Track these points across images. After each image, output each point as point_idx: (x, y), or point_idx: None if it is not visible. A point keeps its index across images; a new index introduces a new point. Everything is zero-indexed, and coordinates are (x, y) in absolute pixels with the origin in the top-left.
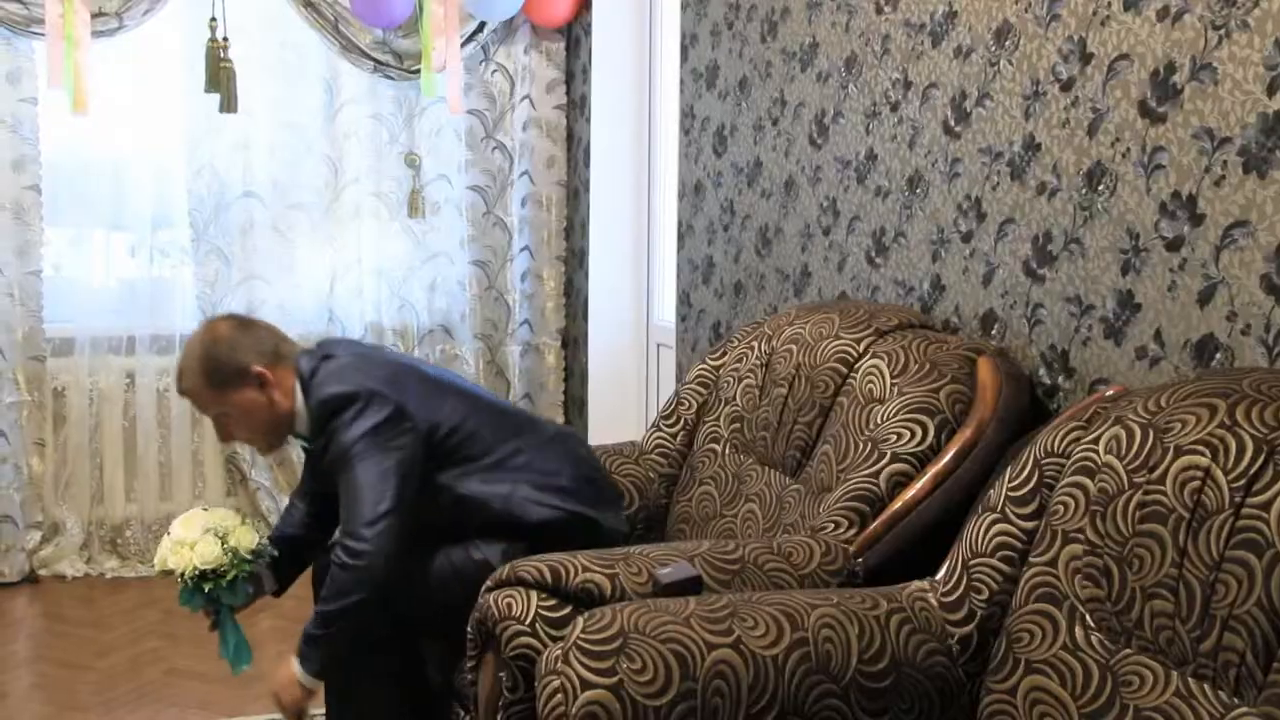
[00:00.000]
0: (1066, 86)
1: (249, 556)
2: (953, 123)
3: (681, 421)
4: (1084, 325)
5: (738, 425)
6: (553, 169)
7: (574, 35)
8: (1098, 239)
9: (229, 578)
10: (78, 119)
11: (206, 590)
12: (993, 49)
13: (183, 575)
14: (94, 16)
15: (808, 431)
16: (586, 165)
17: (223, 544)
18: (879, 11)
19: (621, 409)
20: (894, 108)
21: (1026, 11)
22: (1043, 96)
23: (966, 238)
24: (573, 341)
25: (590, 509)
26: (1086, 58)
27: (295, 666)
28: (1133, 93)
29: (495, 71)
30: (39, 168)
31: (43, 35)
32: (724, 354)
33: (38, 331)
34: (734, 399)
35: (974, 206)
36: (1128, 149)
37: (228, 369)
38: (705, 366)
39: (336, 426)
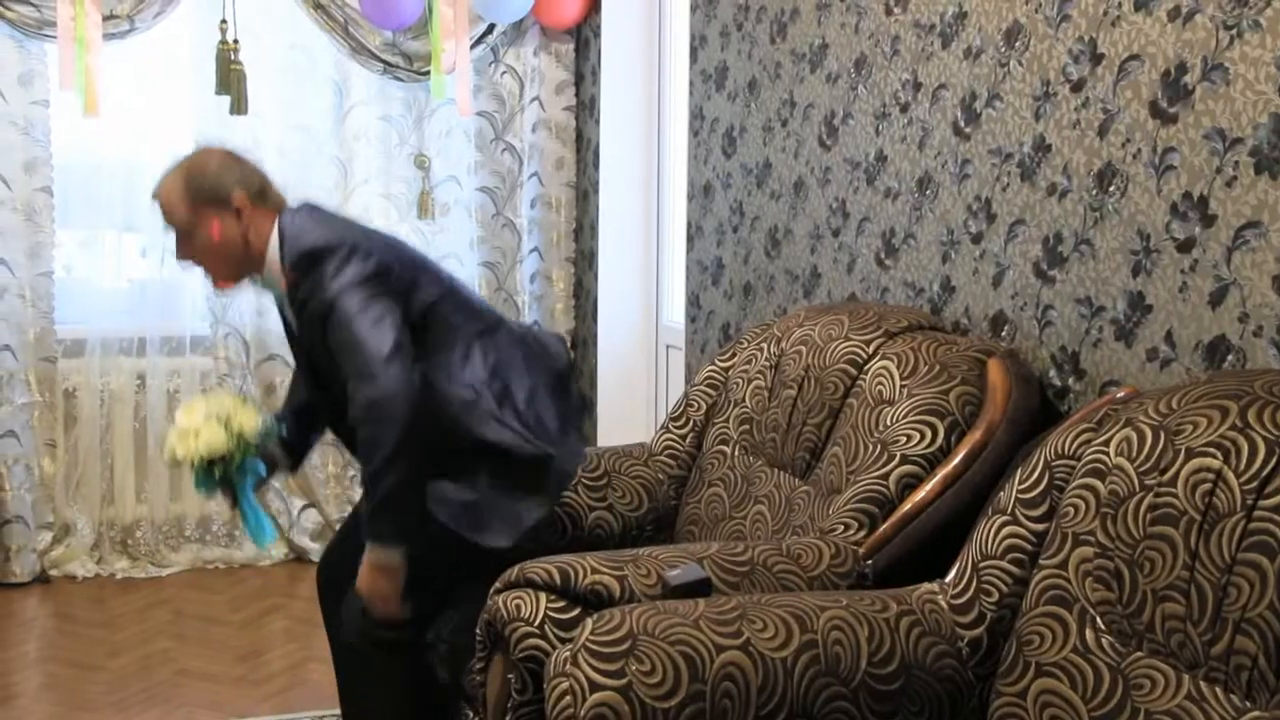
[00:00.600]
0: (1077, 87)
1: (254, 439)
2: (963, 124)
3: (690, 423)
4: (1095, 327)
5: (747, 427)
6: (562, 170)
7: (583, 37)
8: (1108, 240)
9: (237, 461)
10: (89, 121)
11: (218, 475)
12: (1003, 50)
13: (192, 463)
14: (105, 19)
15: (817, 433)
16: (596, 167)
17: (227, 428)
18: (888, 13)
19: (631, 410)
20: (904, 109)
21: (1037, 12)
22: (1053, 97)
23: (976, 239)
24: (582, 343)
25: (545, 443)
26: (1097, 58)
27: (371, 554)
28: (1144, 93)
29: (505, 73)
30: (51, 170)
31: (54, 38)
32: (733, 355)
33: (49, 332)
34: (743, 400)
35: (984, 208)
36: (1139, 150)
37: (208, 188)
38: (714, 368)
39: (319, 278)
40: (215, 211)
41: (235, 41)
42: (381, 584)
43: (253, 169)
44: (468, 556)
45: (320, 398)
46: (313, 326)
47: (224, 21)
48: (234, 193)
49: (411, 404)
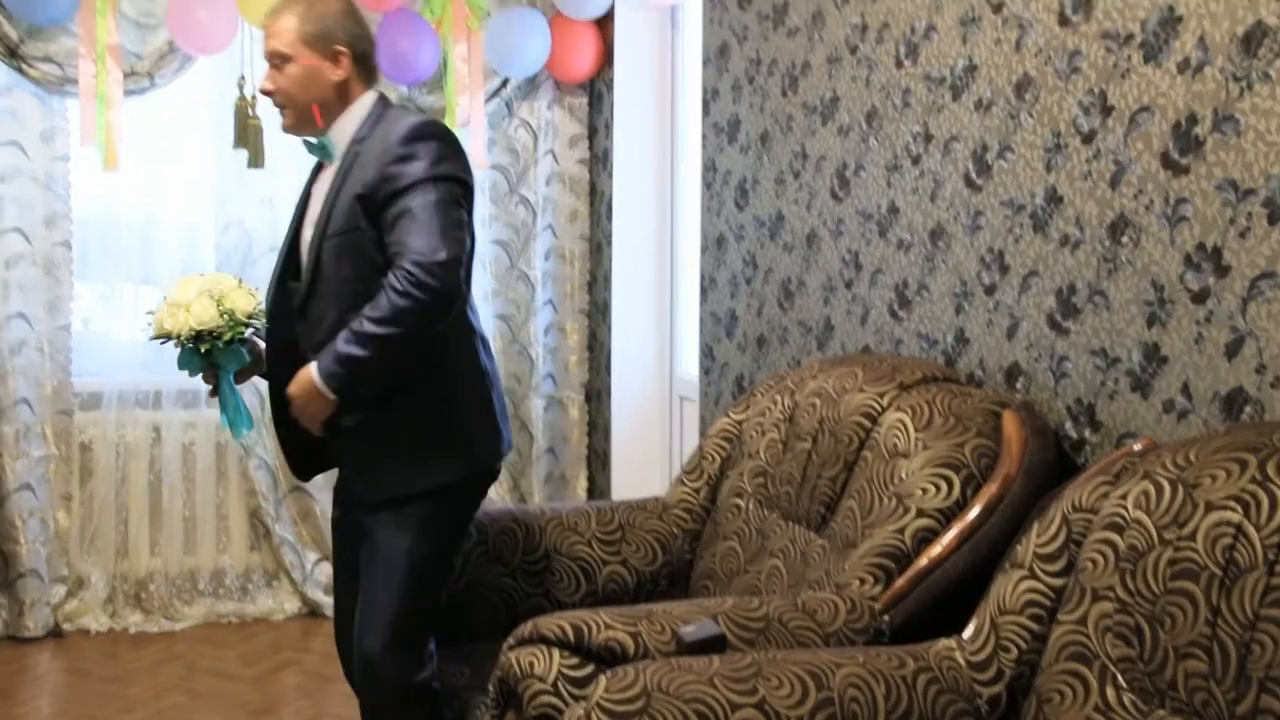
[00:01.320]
0: (1088, 139)
1: (245, 320)
2: (974, 175)
3: (705, 476)
4: (1110, 378)
5: (761, 480)
6: (576, 223)
7: (596, 91)
8: (1122, 291)
9: (225, 339)
10: (108, 175)
11: (204, 351)
12: (1013, 102)
13: (179, 338)
14: (126, 76)
15: (832, 486)
16: (609, 219)
17: (219, 305)
18: (899, 66)
19: (645, 463)
20: (915, 161)
21: (1046, 65)
22: (1064, 149)
23: (990, 290)
24: (596, 395)
25: (494, 458)
26: (1107, 110)
27: (314, 374)
28: (1154, 145)
29: (519, 126)
30: (70, 224)
31: (76, 95)
32: (747, 407)
33: (66, 386)
34: (757, 453)
35: (997, 259)
36: (1151, 201)
37: (321, 30)
38: (728, 420)
39: (419, 150)
40: (319, 53)
41: (253, 96)
42: (314, 407)
43: (366, 33)
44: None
45: (281, 324)
46: (377, 186)
47: (242, 77)
48: (342, 44)
49: (449, 312)
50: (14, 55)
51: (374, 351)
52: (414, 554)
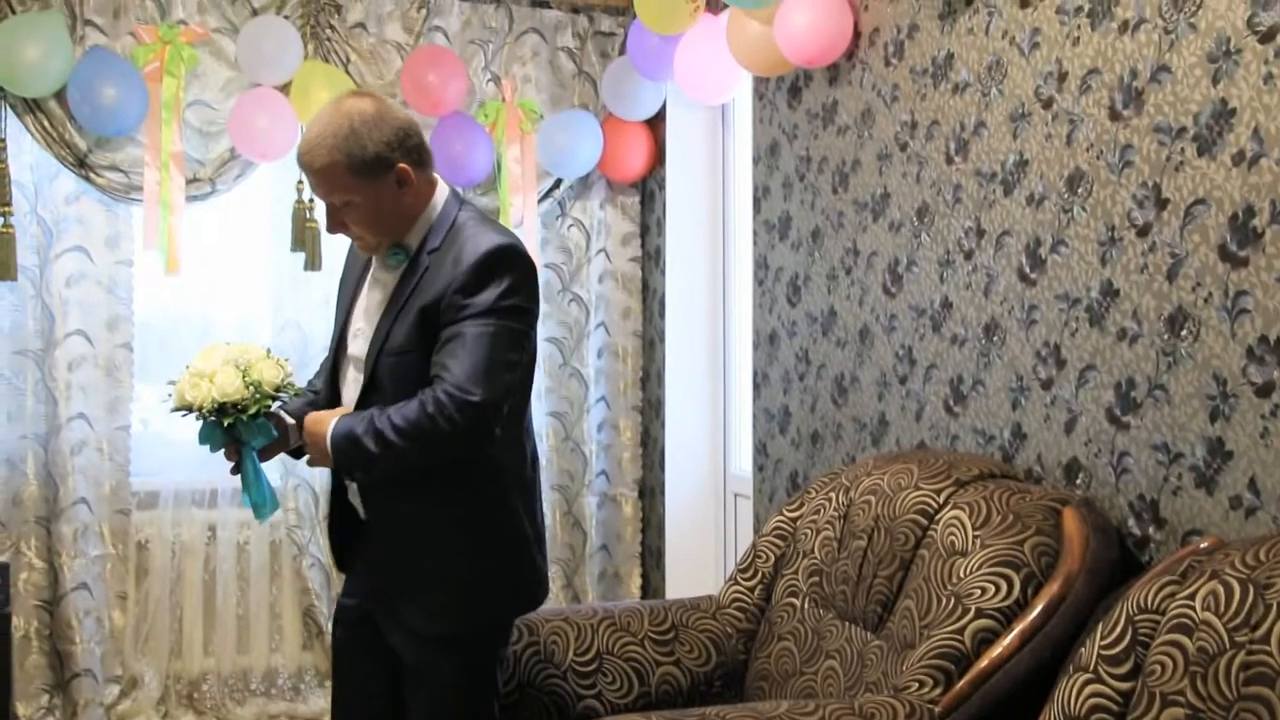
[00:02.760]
0: (1143, 232)
1: (272, 392)
2: (1028, 269)
3: (759, 575)
4: (1173, 474)
5: (816, 579)
6: (629, 320)
7: (648, 189)
8: (1183, 385)
9: (250, 412)
10: (169, 278)
11: (226, 425)
12: (1066, 196)
13: (200, 410)
14: (189, 182)
15: (888, 585)
16: (662, 316)
17: (244, 376)
18: (949, 162)
19: (699, 561)
20: (968, 256)
21: (1098, 159)
22: (1119, 242)
23: (1046, 385)
24: (649, 492)
25: (539, 549)
26: (1162, 203)
27: (330, 429)
28: (1211, 237)
29: (572, 226)
30: (132, 327)
31: (140, 201)
32: (801, 505)
33: (124, 485)
34: (812, 551)
35: (1053, 353)
36: (1209, 294)
37: (370, 160)
38: (783, 518)
39: (490, 280)
40: (377, 179)
41: (310, 200)
42: (315, 454)
43: (406, 124)
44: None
45: (331, 394)
46: (438, 308)
47: (300, 182)
48: (396, 156)
49: (471, 450)
50: (82, 165)
51: (382, 453)
52: (462, 688)
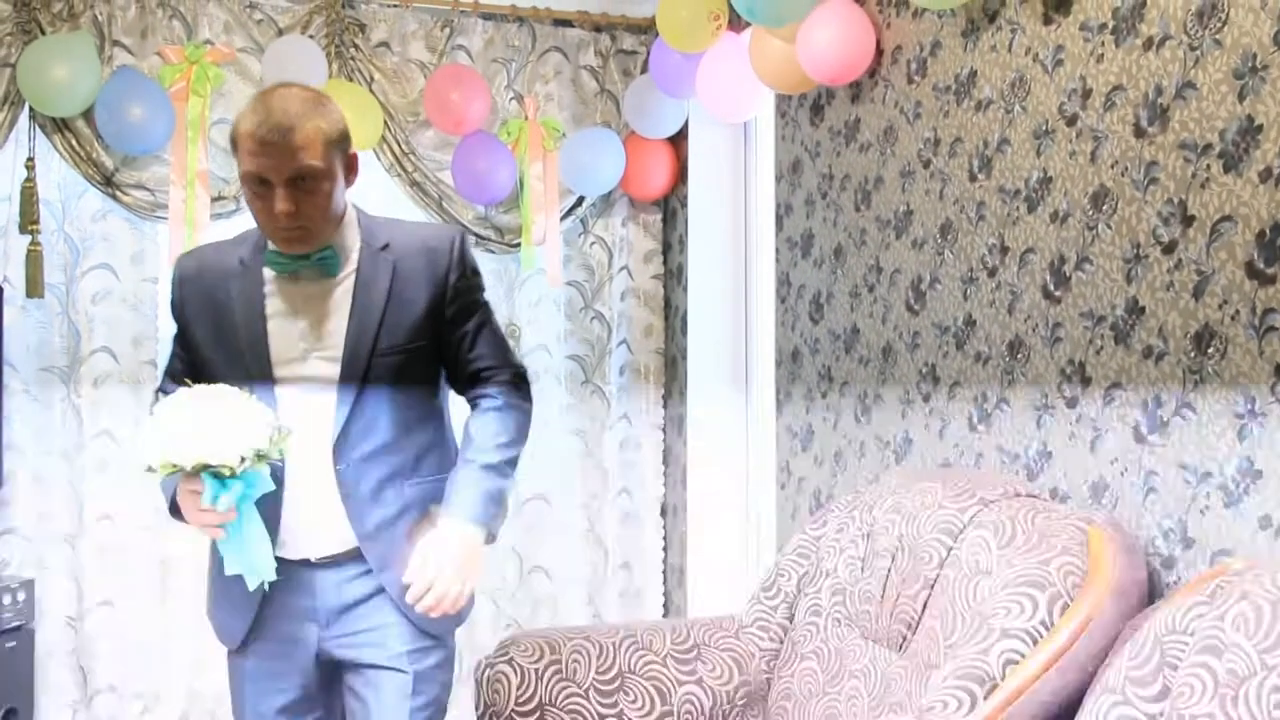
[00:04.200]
0: (1169, 249)
1: (275, 446)
2: (1052, 287)
3: (781, 594)
4: (1201, 493)
5: (839, 598)
6: (651, 337)
7: (670, 207)
8: (1210, 403)
9: (268, 455)
10: None
11: (240, 474)
12: (1090, 213)
13: (206, 467)
14: (214, 200)
15: (912, 605)
16: (684, 333)
17: (247, 424)
18: (972, 179)
19: (722, 579)
20: (991, 273)
21: (1123, 176)
22: (1144, 259)
23: (1071, 403)
24: (672, 510)
25: None
26: (1188, 220)
27: (466, 525)
28: (1239, 254)
29: (594, 243)
30: (156, 344)
31: (165, 219)
32: (824, 523)
33: (148, 502)
34: (835, 571)
35: (1078, 371)
36: (1237, 311)
37: (345, 139)
38: (805, 536)
39: (475, 264)
40: (339, 164)
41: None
42: (475, 567)
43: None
44: None
45: None
46: (435, 300)
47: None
48: (350, 150)
49: None
50: (109, 183)
51: (512, 476)
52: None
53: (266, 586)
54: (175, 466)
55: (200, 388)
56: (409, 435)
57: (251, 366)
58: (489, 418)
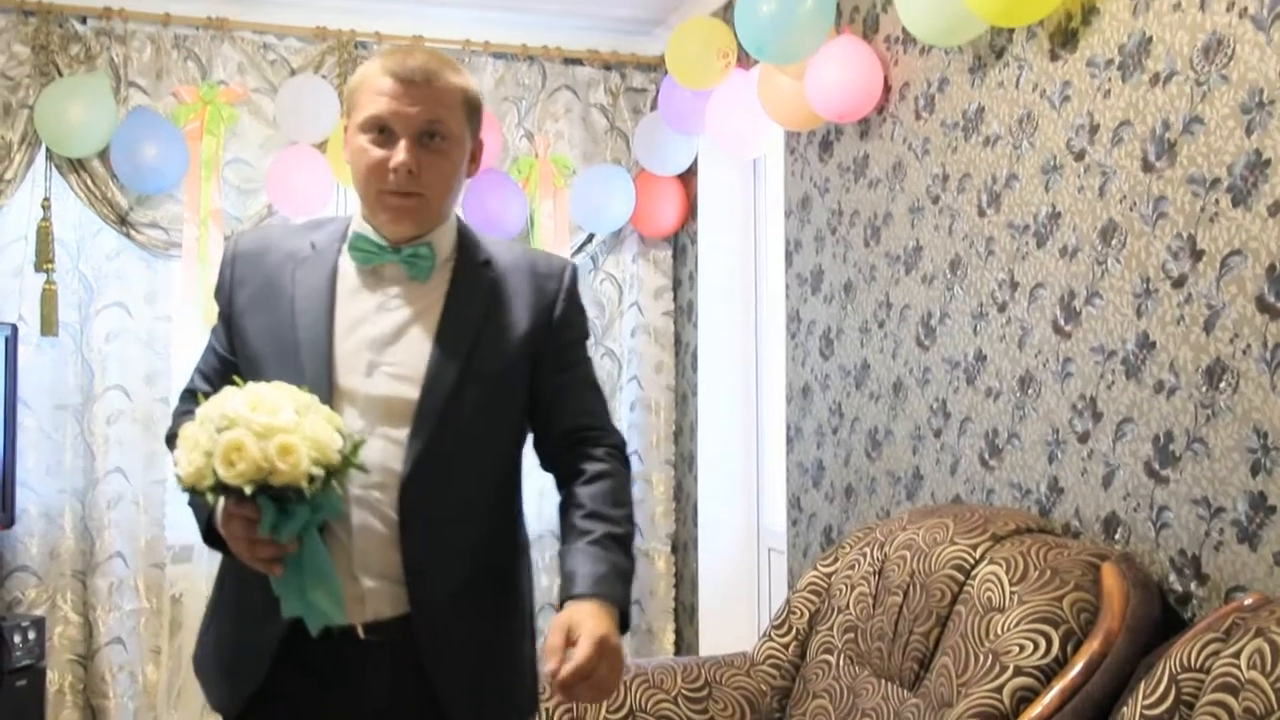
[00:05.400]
0: (1178, 283)
1: (357, 452)
2: (1062, 322)
3: (793, 631)
4: (1215, 529)
5: (851, 635)
6: (661, 374)
7: (680, 244)
8: (1223, 438)
9: (343, 470)
10: (205, 332)
11: (311, 497)
12: (1099, 248)
13: (265, 487)
14: (226, 238)
15: (925, 642)
16: (694, 369)
17: (335, 430)
18: (981, 214)
19: (733, 616)
20: (1001, 308)
21: (1132, 210)
22: (1154, 294)
23: (1083, 438)
24: (683, 547)
25: None
26: (1197, 254)
27: (610, 616)
28: (1249, 288)
29: (604, 280)
30: (170, 381)
31: (179, 257)
32: (836, 560)
33: (160, 539)
34: (847, 607)
35: (1089, 406)
36: (1248, 345)
37: (480, 115)
38: (817, 573)
39: (581, 299)
40: (468, 140)
41: None
42: (620, 656)
43: None
44: None
45: None
46: (538, 327)
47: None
48: (479, 135)
49: None
50: (124, 222)
51: (633, 540)
52: None
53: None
54: (225, 486)
55: (257, 385)
56: (484, 494)
57: (308, 371)
58: (607, 485)
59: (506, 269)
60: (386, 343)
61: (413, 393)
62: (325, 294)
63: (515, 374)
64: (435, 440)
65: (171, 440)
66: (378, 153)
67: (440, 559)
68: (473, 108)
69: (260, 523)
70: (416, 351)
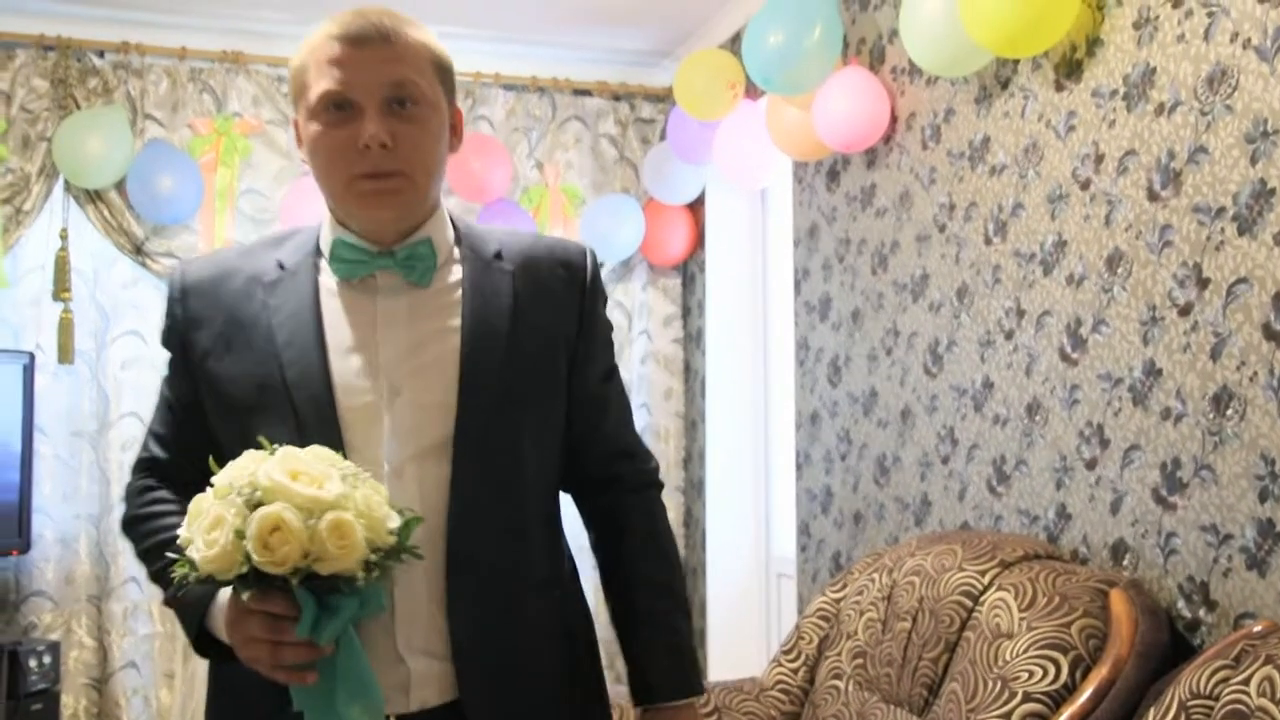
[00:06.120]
0: (1184, 311)
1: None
2: (1069, 349)
3: (802, 656)
4: (1223, 555)
5: (860, 661)
6: (670, 401)
7: (689, 272)
8: (1230, 465)
9: (396, 556)
10: None
11: (361, 588)
12: (1105, 276)
13: (312, 578)
14: None
15: (933, 668)
16: (703, 396)
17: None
18: (988, 243)
19: (742, 641)
20: (1008, 336)
21: (1138, 239)
22: (1161, 321)
23: (1091, 465)
24: (692, 572)
25: None
26: (1203, 282)
27: (674, 698)
28: (1255, 316)
29: (614, 308)
30: None
31: None
32: (844, 586)
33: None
34: (856, 633)
35: (1096, 433)
36: (1255, 373)
37: (453, 77)
38: (826, 599)
39: (604, 298)
40: (444, 105)
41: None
42: None
43: None
44: None
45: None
46: (569, 326)
47: None
48: (455, 105)
49: None
50: (139, 252)
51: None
52: None
53: None
54: (260, 575)
55: (292, 450)
56: (532, 536)
57: (307, 418)
58: (658, 547)
59: (522, 260)
60: (400, 368)
61: (445, 424)
62: (310, 320)
63: (554, 386)
64: (482, 477)
65: (135, 527)
66: (340, 133)
67: (493, 622)
68: (443, 69)
69: (298, 621)
70: (441, 372)
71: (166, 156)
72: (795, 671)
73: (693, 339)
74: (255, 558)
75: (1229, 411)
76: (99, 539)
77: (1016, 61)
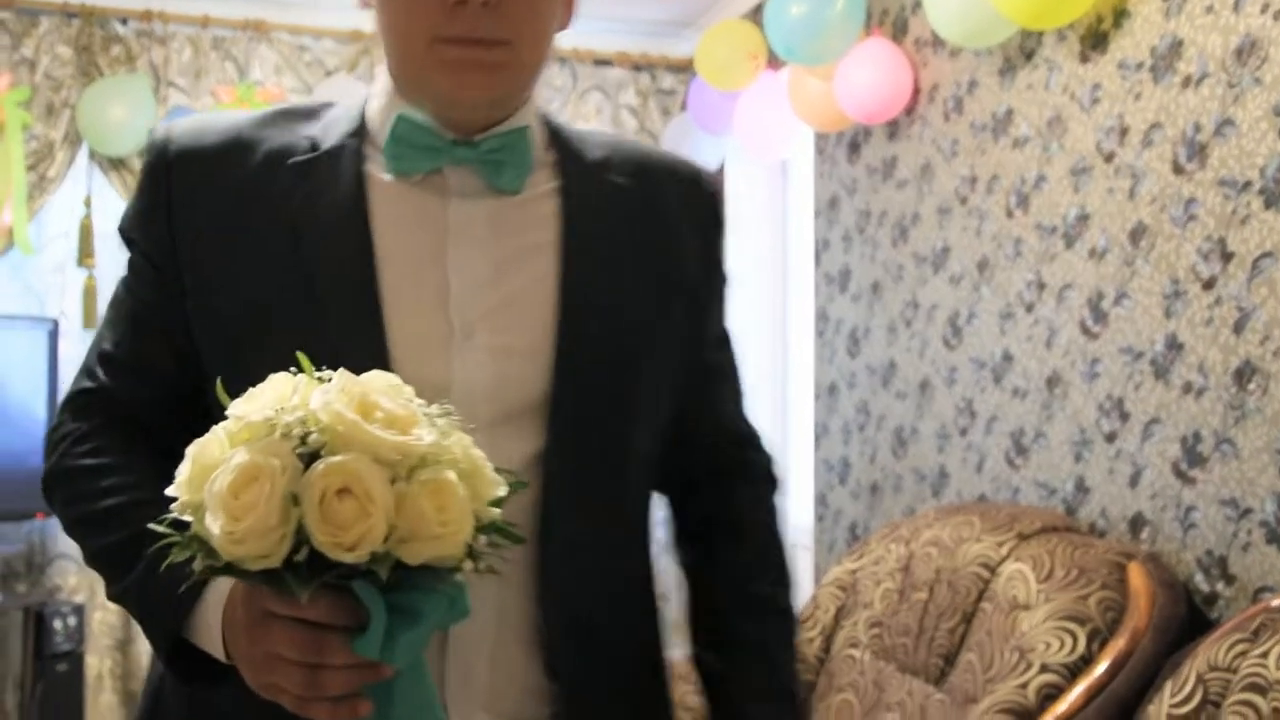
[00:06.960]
0: (1208, 285)
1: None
2: (1090, 323)
3: (819, 626)
4: (1243, 529)
5: (877, 630)
6: None
7: None
8: (1251, 439)
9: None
10: None
11: (454, 583)
12: (1128, 249)
13: (388, 563)
14: None
15: (950, 638)
16: None
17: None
18: (1010, 216)
19: None
20: (1029, 309)
21: (1162, 212)
22: (1183, 295)
23: (1110, 438)
24: None
25: None
26: (1227, 256)
27: None
28: (1279, 290)
29: None
30: None
31: None
32: (861, 556)
33: None
34: (872, 603)
35: (1116, 406)
36: (1278, 347)
37: None
38: (842, 569)
39: (724, 239)
40: None
41: None
42: None
43: None
44: None
45: None
46: (690, 272)
47: None
48: None
49: None
50: None
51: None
52: None
53: None
54: (323, 562)
55: (348, 376)
56: (634, 546)
57: (350, 351)
58: (780, 563)
59: (635, 173)
60: (478, 299)
61: (537, 379)
62: (358, 222)
63: (671, 342)
64: (583, 453)
65: (70, 484)
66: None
67: (595, 651)
68: None
69: (356, 632)
70: (531, 309)
71: None
72: (812, 641)
73: None
74: (318, 537)
75: (1251, 386)
76: None
77: (1041, 33)
